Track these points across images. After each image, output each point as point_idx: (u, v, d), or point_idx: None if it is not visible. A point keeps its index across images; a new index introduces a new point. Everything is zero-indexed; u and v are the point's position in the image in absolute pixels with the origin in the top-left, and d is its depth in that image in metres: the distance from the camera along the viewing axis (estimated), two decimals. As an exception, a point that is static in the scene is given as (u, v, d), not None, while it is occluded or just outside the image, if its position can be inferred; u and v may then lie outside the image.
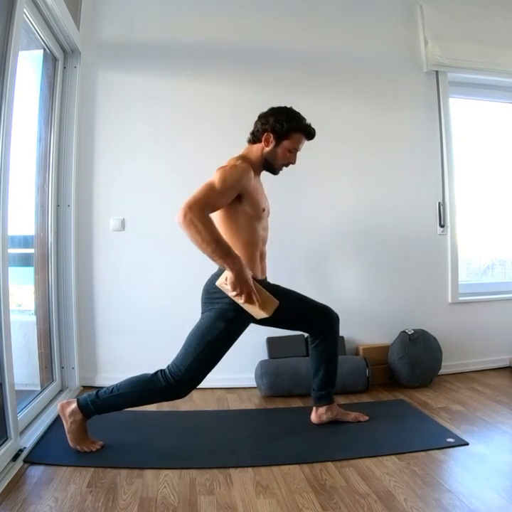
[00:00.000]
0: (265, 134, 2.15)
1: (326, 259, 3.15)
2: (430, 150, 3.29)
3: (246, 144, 2.26)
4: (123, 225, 2.98)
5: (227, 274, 1.95)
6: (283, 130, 2.14)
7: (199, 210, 1.88)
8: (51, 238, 2.79)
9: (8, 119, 1.88)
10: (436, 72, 3.29)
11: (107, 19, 2.99)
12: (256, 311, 2.01)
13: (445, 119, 3.30)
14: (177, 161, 3.02)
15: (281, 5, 3.15)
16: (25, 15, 2.16)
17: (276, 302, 2.02)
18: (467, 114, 3.52)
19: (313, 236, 3.13)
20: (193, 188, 2.95)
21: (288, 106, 2.21)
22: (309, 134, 2.20)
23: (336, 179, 3.18)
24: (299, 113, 2.20)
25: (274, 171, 2.25)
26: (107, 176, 2.98)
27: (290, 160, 2.22)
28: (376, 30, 3.24)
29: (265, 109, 2.22)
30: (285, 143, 2.16)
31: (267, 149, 2.17)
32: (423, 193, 3.28)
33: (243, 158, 2.16)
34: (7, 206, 1.89)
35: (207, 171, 2.96)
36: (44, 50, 2.67)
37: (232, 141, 2.95)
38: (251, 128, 2.22)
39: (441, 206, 3.29)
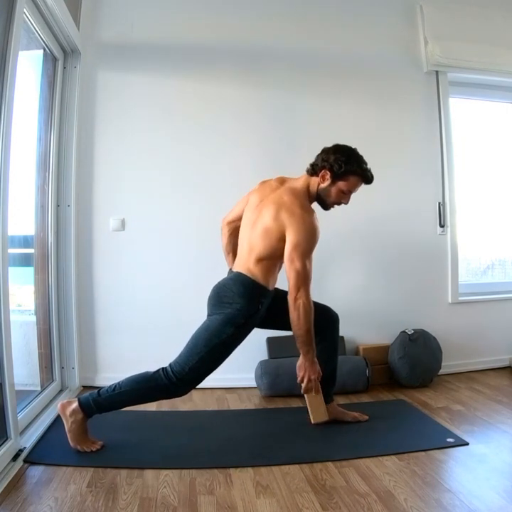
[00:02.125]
0: (323, 171, 2.16)
1: (325, 259, 3.14)
2: (430, 150, 3.29)
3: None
4: (123, 225, 2.98)
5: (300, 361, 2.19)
6: (340, 171, 2.14)
7: (306, 297, 2.08)
8: (51, 238, 2.78)
9: (8, 119, 1.88)
10: (436, 72, 3.28)
11: (107, 19, 2.99)
12: (312, 411, 2.26)
13: (445, 119, 3.29)
14: (177, 160, 3.02)
15: (281, 5, 3.14)
16: (25, 15, 2.16)
17: (326, 417, 2.27)
18: (467, 114, 3.52)
19: (313, 236, 3.12)
20: (192, 188, 3.02)
21: (353, 147, 2.20)
22: (367, 179, 2.20)
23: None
24: (361, 156, 2.19)
25: (326, 207, 2.27)
26: (106, 175, 2.98)
27: (343, 200, 2.23)
28: (376, 30, 3.24)
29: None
30: (340, 183, 2.17)
31: (322, 186, 2.19)
32: (423, 193, 3.28)
33: (308, 194, 2.21)
34: (7, 206, 1.89)
35: (207, 170, 3.00)
36: (44, 50, 2.67)
37: (232, 140, 2.97)
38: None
39: (441, 206, 3.29)
